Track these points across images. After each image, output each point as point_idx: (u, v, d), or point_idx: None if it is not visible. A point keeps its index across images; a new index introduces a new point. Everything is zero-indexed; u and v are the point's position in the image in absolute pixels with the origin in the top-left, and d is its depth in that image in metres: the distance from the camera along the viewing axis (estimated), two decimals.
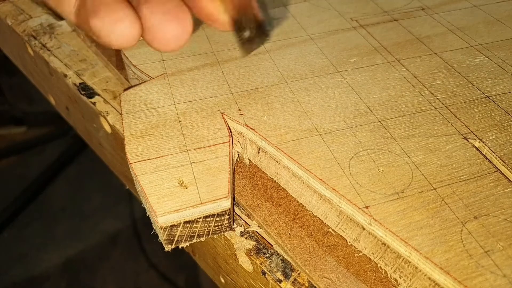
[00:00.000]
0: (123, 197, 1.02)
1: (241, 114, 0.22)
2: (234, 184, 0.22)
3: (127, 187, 0.38)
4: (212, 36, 0.28)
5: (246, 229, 0.21)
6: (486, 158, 0.20)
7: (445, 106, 0.23)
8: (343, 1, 0.33)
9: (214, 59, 0.26)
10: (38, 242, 0.95)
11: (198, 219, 0.18)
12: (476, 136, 0.21)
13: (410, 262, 0.17)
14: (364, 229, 0.18)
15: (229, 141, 0.21)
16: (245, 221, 0.21)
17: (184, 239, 0.19)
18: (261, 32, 0.17)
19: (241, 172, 0.22)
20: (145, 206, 0.19)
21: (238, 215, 0.21)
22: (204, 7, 0.17)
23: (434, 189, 0.19)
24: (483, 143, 0.21)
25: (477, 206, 0.18)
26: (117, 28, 0.16)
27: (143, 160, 0.19)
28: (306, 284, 0.19)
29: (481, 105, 0.23)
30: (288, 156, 0.20)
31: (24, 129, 1.16)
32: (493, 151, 0.20)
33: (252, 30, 0.17)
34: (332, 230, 0.19)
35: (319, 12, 0.31)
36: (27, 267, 0.90)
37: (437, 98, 0.23)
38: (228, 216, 0.19)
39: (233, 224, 0.21)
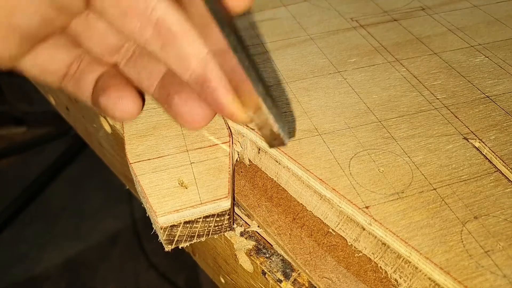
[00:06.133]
0: (123, 197, 1.02)
1: None
2: (234, 184, 0.22)
3: (127, 187, 0.38)
4: None
5: (246, 229, 0.21)
6: (486, 158, 0.20)
7: (445, 106, 0.23)
8: (343, 1, 0.33)
9: None
10: (38, 242, 0.95)
11: (198, 219, 0.18)
12: (476, 136, 0.21)
13: (410, 262, 0.17)
14: (364, 229, 0.18)
15: (229, 141, 0.21)
16: (245, 221, 0.21)
17: (184, 239, 0.19)
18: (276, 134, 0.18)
19: (241, 172, 0.22)
20: (145, 206, 0.19)
21: (238, 215, 0.21)
22: (225, 108, 0.19)
23: (434, 189, 0.19)
24: (483, 143, 0.21)
25: (477, 206, 0.18)
26: (121, 104, 0.19)
27: (143, 160, 0.19)
28: (306, 284, 0.19)
29: (481, 105, 0.23)
30: (288, 156, 0.20)
31: (24, 129, 1.16)
32: (493, 151, 0.20)
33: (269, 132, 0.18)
34: (332, 230, 0.19)
35: (319, 12, 0.31)
36: (27, 267, 0.90)
37: (437, 98, 0.23)
38: (228, 216, 0.19)
39: (233, 224, 0.21)
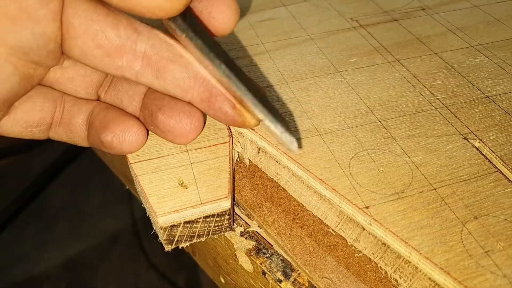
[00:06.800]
0: (123, 197, 1.02)
1: None
2: (234, 184, 0.22)
3: (127, 187, 0.38)
4: None
5: (246, 229, 0.21)
6: (486, 158, 0.20)
7: (445, 106, 0.23)
8: (343, 1, 0.33)
9: None
10: (38, 242, 0.95)
11: (198, 219, 0.18)
12: (476, 136, 0.21)
13: (410, 262, 0.17)
14: (364, 229, 0.18)
15: (229, 141, 0.21)
16: (245, 221, 0.21)
17: (184, 239, 0.19)
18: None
19: (241, 172, 0.22)
20: (145, 206, 0.19)
21: (238, 215, 0.21)
22: (236, 119, 0.19)
23: (434, 189, 0.19)
24: (483, 143, 0.21)
25: (477, 206, 0.18)
26: (127, 136, 0.18)
27: (143, 160, 0.19)
28: (306, 284, 0.19)
29: (481, 105, 0.23)
30: (288, 156, 0.20)
31: None
32: (493, 151, 0.20)
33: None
34: (332, 230, 0.19)
35: (319, 12, 0.31)
36: (27, 267, 0.90)
37: (437, 98, 0.23)
38: (228, 216, 0.19)
39: (233, 224, 0.21)
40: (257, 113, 0.17)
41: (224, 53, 0.17)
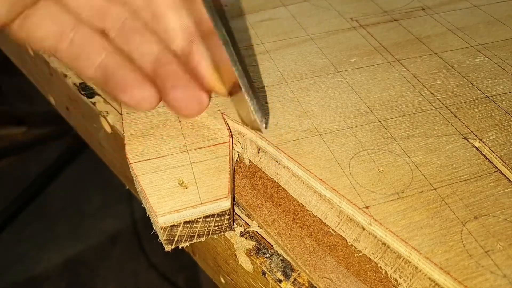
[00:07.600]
0: (123, 197, 1.02)
1: None
2: (234, 184, 0.22)
3: (127, 187, 0.38)
4: None
5: (246, 229, 0.21)
6: (486, 158, 0.20)
7: (445, 106, 0.23)
8: (343, 1, 0.33)
9: None
10: (38, 242, 0.95)
11: (198, 219, 0.18)
12: (476, 136, 0.21)
13: (410, 262, 0.17)
14: (364, 229, 0.18)
15: (229, 141, 0.21)
16: (245, 221, 0.21)
17: (184, 239, 0.19)
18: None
19: (241, 172, 0.22)
20: (145, 206, 0.19)
21: (238, 215, 0.21)
22: (207, 79, 0.21)
23: (434, 189, 0.19)
24: (483, 143, 0.21)
25: (477, 206, 0.18)
26: (143, 103, 0.20)
27: (143, 160, 0.19)
28: (306, 284, 0.19)
29: (481, 105, 0.23)
30: (288, 156, 0.20)
31: (24, 129, 1.16)
32: (493, 151, 0.20)
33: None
34: (332, 230, 0.19)
35: (319, 12, 0.31)
36: (27, 267, 0.90)
37: (437, 98, 0.23)
38: (228, 216, 0.19)
39: (233, 224, 0.21)
40: (241, 86, 0.18)
41: (226, 25, 0.19)
